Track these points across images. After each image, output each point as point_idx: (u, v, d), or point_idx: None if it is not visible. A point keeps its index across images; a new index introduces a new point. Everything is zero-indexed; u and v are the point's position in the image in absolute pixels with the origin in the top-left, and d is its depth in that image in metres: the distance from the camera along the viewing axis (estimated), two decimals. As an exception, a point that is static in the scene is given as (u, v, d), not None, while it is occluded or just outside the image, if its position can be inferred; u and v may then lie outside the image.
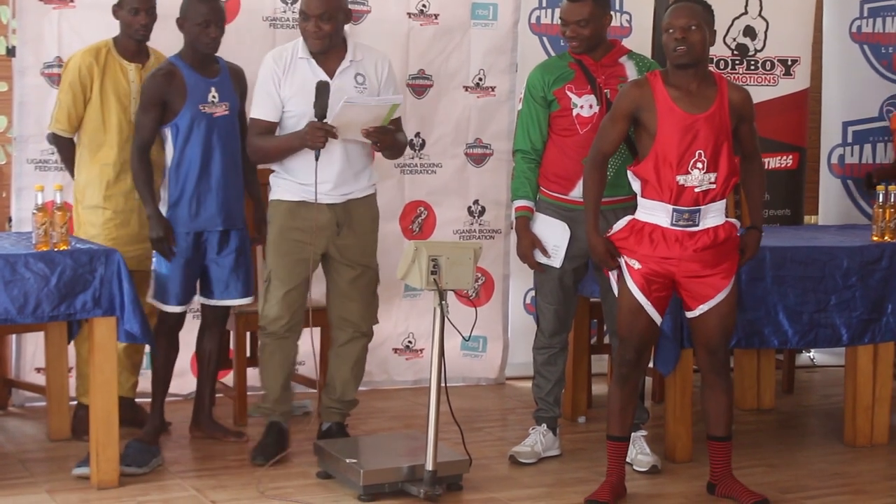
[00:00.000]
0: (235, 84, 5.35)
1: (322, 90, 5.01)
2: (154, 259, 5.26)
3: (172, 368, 5.41)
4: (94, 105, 5.32)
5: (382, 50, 5.42)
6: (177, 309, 5.30)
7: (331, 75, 5.13)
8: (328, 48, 5.12)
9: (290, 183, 5.17)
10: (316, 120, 4.99)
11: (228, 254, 5.30)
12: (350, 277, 5.24)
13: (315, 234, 5.10)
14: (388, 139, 5.09)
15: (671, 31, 4.58)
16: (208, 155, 5.22)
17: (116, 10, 5.38)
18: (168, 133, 5.23)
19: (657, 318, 4.69)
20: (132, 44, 5.38)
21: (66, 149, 5.43)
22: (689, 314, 4.73)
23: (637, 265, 4.63)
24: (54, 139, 5.46)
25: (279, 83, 5.13)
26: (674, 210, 4.59)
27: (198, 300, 5.44)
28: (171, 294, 5.25)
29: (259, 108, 5.18)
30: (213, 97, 5.23)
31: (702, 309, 4.68)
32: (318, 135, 4.96)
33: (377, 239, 5.35)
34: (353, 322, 5.27)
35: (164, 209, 5.24)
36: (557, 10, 6.62)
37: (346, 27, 5.25)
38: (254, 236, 5.52)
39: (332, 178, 5.12)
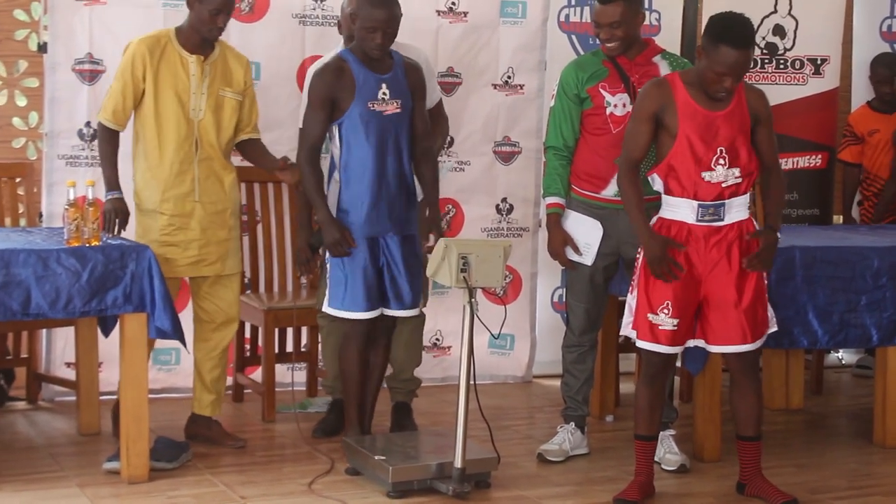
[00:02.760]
0: (410, 82, 5.13)
1: (318, 240, 5.27)
2: (329, 266, 5.10)
3: (365, 382, 5.18)
4: (148, 100, 5.11)
5: (419, 47, 5.53)
6: (362, 315, 5.08)
7: None
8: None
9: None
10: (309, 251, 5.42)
11: (399, 261, 5.09)
12: None
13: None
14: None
15: (723, 77, 4.49)
16: (381, 156, 5.03)
17: (193, 2, 5.10)
18: (336, 131, 5.07)
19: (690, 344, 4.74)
20: (197, 37, 5.15)
21: (107, 141, 5.15)
22: (709, 347, 4.75)
23: (667, 320, 4.61)
24: (99, 129, 5.20)
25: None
26: (699, 206, 4.59)
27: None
28: (355, 300, 5.05)
29: None
30: (384, 94, 5.02)
31: (724, 349, 4.71)
32: (301, 265, 5.54)
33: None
34: None
35: (333, 212, 5.06)
36: (587, 9, 6.71)
37: None
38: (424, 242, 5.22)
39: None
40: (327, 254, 5.10)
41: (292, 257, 6.09)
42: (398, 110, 5.08)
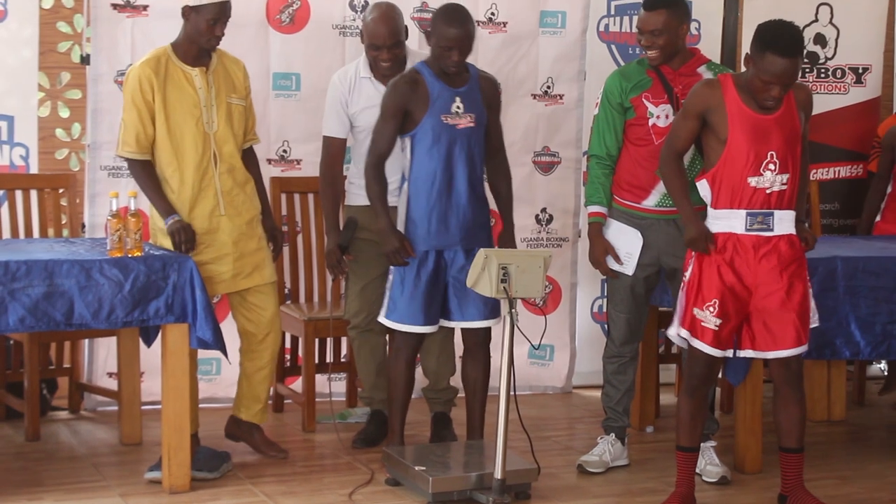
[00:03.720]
0: (485, 96, 5.18)
1: (349, 225, 5.42)
2: (390, 277, 5.13)
3: (410, 392, 5.21)
4: (159, 123, 5.02)
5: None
6: (418, 329, 5.10)
7: None
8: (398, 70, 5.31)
9: (361, 189, 5.31)
10: (338, 249, 5.39)
11: (463, 274, 5.01)
12: None
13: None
14: None
15: (770, 85, 4.48)
16: (450, 169, 5.06)
17: (188, 13, 5.03)
18: (408, 143, 5.09)
19: (730, 354, 4.70)
20: (195, 49, 5.08)
21: (141, 172, 5.06)
22: (761, 355, 4.71)
23: (710, 318, 4.59)
24: (129, 165, 5.12)
25: (346, 103, 5.44)
26: (747, 214, 4.57)
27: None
28: (412, 314, 5.08)
29: (330, 127, 5.47)
30: (458, 108, 5.06)
31: (781, 353, 4.66)
32: (333, 268, 5.47)
33: None
34: None
35: (401, 223, 5.11)
36: (626, 19, 6.72)
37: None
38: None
39: (399, 181, 5.24)
40: (392, 272, 5.14)
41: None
42: (472, 124, 5.10)
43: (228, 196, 5.15)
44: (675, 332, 4.74)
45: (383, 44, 5.32)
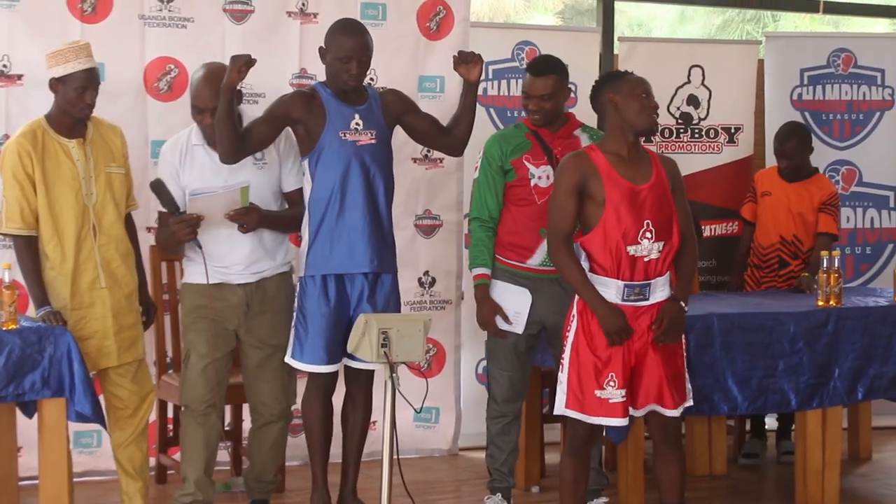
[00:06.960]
0: (392, 109, 5.09)
1: (157, 188, 5.04)
2: (294, 316, 5.03)
3: (330, 437, 5.12)
4: (39, 195, 4.89)
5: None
6: (324, 369, 4.99)
7: None
8: None
9: (199, 265, 5.07)
10: (174, 216, 5.01)
11: (375, 303, 5.01)
12: (259, 359, 5.18)
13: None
14: (251, 219, 5.02)
15: (653, 105, 4.62)
16: (349, 187, 4.93)
17: (56, 85, 4.92)
18: (306, 164, 4.96)
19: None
20: (69, 119, 4.96)
21: (24, 252, 4.93)
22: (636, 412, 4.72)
23: (615, 392, 4.58)
24: (14, 243, 4.99)
25: (178, 174, 5.14)
26: (625, 286, 4.59)
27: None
28: (314, 352, 4.96)
29: None
30: (357, 124, 4.96)
31: (648, 409, 4.69)
32: (182, 230, 4.99)
33: (291, 318, 5.15)
34: (267, 404, 5.21)
35: (304, 249, 5.00)
36: (504, 83, 6.79)
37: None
38: None
39: (242, 258, 5.08)
40: (296, 309, 5.00)
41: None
42: (373, 141, 4.99)
43: (108, 268, 5.03)
44: (561, 410, 4.71)
45: (205, 106, 5.03)
